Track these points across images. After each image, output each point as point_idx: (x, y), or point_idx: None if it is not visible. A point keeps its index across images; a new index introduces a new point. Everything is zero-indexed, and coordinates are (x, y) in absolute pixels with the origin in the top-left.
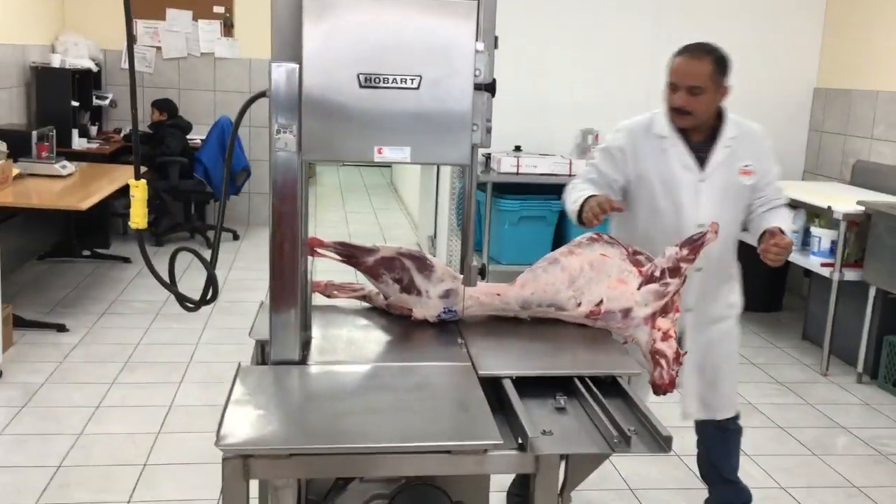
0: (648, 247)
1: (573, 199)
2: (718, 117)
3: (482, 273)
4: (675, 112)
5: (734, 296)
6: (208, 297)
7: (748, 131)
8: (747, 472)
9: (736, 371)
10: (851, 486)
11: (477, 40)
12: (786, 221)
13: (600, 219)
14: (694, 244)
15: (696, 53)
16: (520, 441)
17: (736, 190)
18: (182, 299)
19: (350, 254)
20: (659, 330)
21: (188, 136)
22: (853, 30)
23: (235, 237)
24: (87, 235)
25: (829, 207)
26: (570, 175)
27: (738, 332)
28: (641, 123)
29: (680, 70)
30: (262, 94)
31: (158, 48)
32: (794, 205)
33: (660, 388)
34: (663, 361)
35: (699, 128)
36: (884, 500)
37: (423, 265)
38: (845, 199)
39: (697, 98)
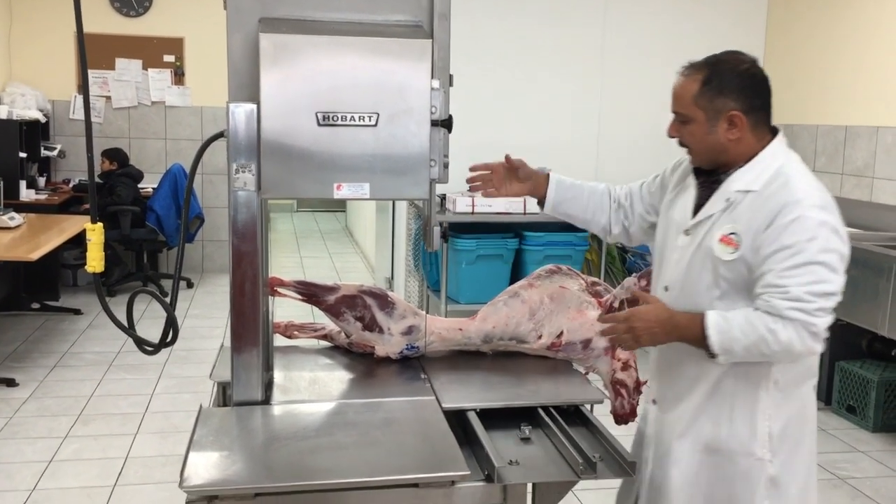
0: None
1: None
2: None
3: (445, 237)
4: (679, 145)
5: (740, 421)
6: (168, 339)
7: (772, 191)
8: None
9: None
10: None
11: (432, 78)
12: (731, 322)
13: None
14: (651, 274)
15: (689, 69)
16: (487, 472)
17: (710, 260)
18: (141, 342)
19: (311, 292)
20: (619, 360)
21: (139, 185)
22: (792, 67)
23: (189, 285)
24: (36, 288)
25: None
26: (524, 213)
27: (757, 491)
28: None
29: (672, 92)
30: (220, 135)
31: (108, 98)
32: None
33: (621, 418)
34: (624, 391)
35: (723, 169)
36: None
37: (385, 302)
38: None
39: (687, 128)
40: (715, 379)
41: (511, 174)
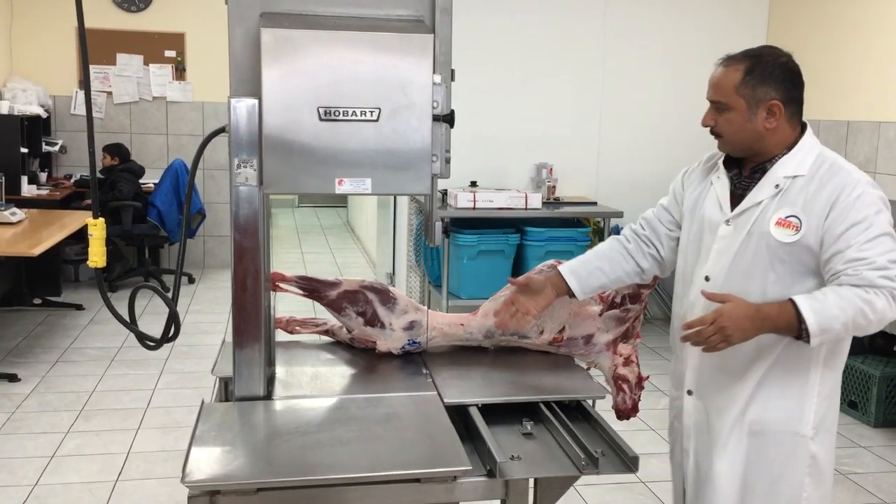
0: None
1: (588, 254)
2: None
3: (446, 232)
4: (711, 133)
5: (791, 402)
6: (170, 334)
7: (825, 173)
8: None
9: None
10: None
11: (434, 73)
12: (824, 301)
13: (512, 321)
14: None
15: (730, 61)
16: (488, 467)
17: (765, 244)
18: (143, 338)
19: (313, 288)
20: (620, 355)
21: (141, 181)
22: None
23: (191, 280)
24: (37, 283)
25: None
26: (525, 208)
27: (800, 470)
28: (710, 155)
29: (709, 81)
30: (222, 130)
31: (109, 93)
32: None
33: (623, 413)
34: (625, 386)
35: (754, 157)
36: None
37: (386, 297)
38: None
39: (724, 116)
40: (769, 364)
41: (526, 291)
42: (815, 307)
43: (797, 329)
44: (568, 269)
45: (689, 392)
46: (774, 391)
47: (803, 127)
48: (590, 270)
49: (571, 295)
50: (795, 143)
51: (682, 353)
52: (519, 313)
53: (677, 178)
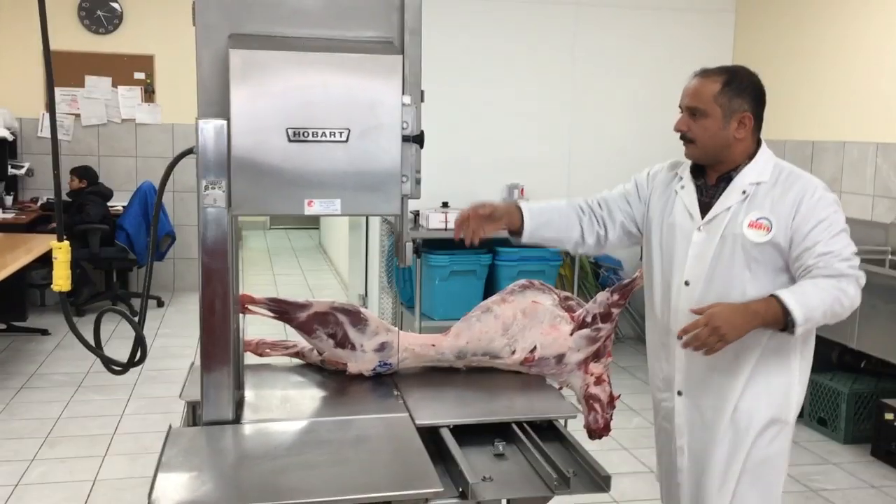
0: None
1: (544, 204)
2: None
3: (417, 252)
4: (681, 139)
5: (777, 392)
6: (136, 358)
7: (786, 179)
8: None
9: None
10: None
11: (403, 94)
12: (804, 293)
13: (465, 231)
14: (624, 289)
15: (708, 72)
16: (460, 489)
17: (740, 245)
18: (108, 362)
19: (283, 310)
20: (592, 375)
21: (109, 203)
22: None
23: (160, 304)
24: (2, 308)
25: None
26: None
27: (783, 450)
28: (674, 163)
29: (686, 90)
30: (189, 152)
31: (77, 115)
32: None
33: (594, 433)
34: (597, 406)
35: (718, 167)
36: None
37: (357, 319)
38: None
39: (698, 122)
40: (755, 359)
41: (488, 220)
42: (799, 299)
43: (783, 321)
44: (528, 210)
45: (679, 393)
46: (762, 384)
47: (759, 142)
48: (545, 220)
49: (514, 234)
50: (755, 153)
51: (670, 356)
52: (469, 230)
53: (642, 174)
